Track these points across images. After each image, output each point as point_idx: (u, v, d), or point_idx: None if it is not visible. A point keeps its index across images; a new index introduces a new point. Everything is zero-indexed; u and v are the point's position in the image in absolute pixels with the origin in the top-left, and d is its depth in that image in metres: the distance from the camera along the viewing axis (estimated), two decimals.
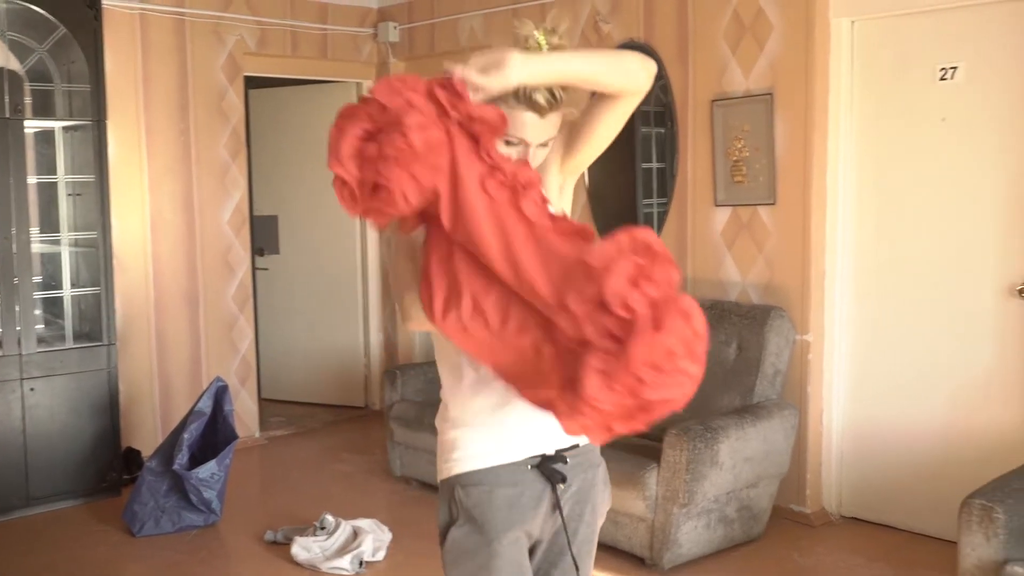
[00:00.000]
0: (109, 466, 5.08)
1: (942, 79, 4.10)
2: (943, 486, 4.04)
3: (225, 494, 4.71)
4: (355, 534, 4.28)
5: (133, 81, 5.51)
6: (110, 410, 5.06)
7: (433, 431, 4.98)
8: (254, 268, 6.59)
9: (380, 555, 4.20)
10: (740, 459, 3.90)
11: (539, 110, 1.78)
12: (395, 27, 6.41)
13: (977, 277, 4.03)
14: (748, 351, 4.26)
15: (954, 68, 4.06)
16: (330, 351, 6.87)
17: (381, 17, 6.51)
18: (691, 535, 3.87)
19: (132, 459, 5.35)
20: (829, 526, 4.45)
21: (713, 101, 4.70)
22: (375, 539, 4.25)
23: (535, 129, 1.81)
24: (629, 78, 1.82)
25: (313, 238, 6.86)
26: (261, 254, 7.00)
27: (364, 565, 4.10)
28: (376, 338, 6.79)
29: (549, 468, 1.94)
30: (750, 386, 4.20)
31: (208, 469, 4.54)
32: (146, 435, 5.59)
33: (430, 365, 5.43)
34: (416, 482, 5.10)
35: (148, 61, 5.57)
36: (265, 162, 6.94)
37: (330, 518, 4.36)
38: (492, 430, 1.92)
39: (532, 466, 1.93)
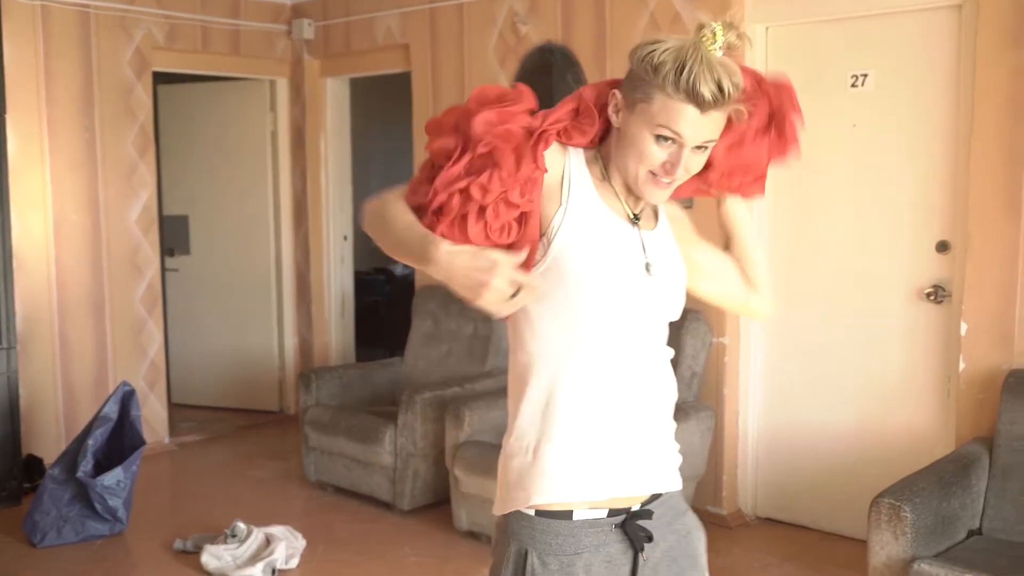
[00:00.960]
0: (8, 474, 4.88)
1: (853, 86, 4.19)
2: (855, 486, 4.13)
3: (132, 502, 4.56)
4: (268, 541, 4.19)
5: (34, 75, 5.30)
6: (10, 416, 4.86)
7: (349, 435, 4.89)
8: (163, 269, 6.41)
9: (293, 562, 4.11)
10: None
11: (702, 104, 1.57)
12: (310, 24, 6.30)
13: (888, 281, 4.13)
14: None
15: (864, 75, 4.15)
16: (243, 354, 6.72)
17: (296, 13, 6.40)
18: None
19: (33, 467, 5.15)
20: (745, 527, 4.51)
21: None
22: (288, 546, 4.16)
23: (695, 126, 1.59)
24: (757, 309, 1.97)
25: (225, 238, 6.70)
26: (171, 255, 6.81)
27: (277, 573, 4.01)
28: (291, 341, 6.67)
29: (634, 526, 1.69)
30: None
31: (114, 476, 4.40)
32: (48, 442, 5.38)
33: (346, 368, 5.36)
34: (331, 487, 5.01)
35: (50, 54, 5.36)
36: (175, 160, 6.76)
37: (242, 525, 4.26)
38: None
39: (616, 525, 1.69)
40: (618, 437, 1.68)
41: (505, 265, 1.47)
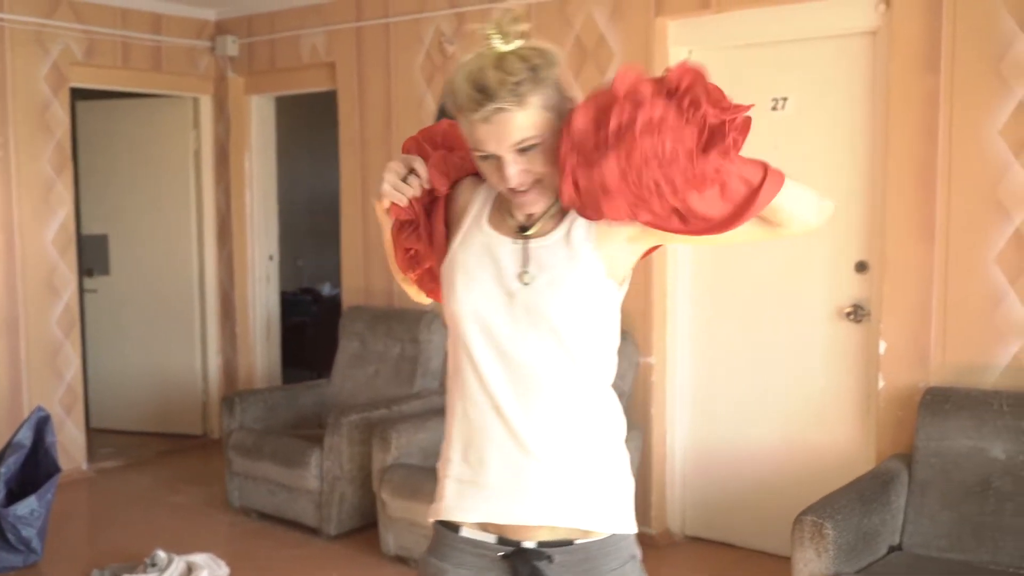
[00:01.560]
0: None
1: (774, 109, 4.27)
2: (779, 503, 4.17)
3: (47, 532, 4.42)
4: (189, 570, 4.09)
5: None
6: None
7: (274, 459, 4.81)
8: (82, 290, 6.24)
9: None
10: None
11: (476, 113, 1.55)
12: (234, 40, 6.21)
13: (809, 300, 4.20)
14: None
15: (785, 99, 4.24)
16: (165, 377, 6.56)
17: (219, 30, 6.31)
18: None
19: None
20: (673, 546, 4.53)
21: None
22: (210, 574, 4.07)
23: (494, 135, 1.56)
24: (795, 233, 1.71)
25: (146, 257, 6.55)
26: (90, 275, 6.64)
27: None
28: (214, 362, 6.54)
29: (523, 563, 1.64)
30: None
31: (27, 505, 4.26)
32: None
33: (271, 391, 5.27)
34: (256, 513, 4.91)
35: None
36: (95, 178, 6.59)
37: (162, 554, 4.15)
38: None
39: (503, 556, 1.66)
40: (494, 461, 1.65)
41: (397, 159, 1.70)
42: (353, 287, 5.70)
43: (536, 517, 1.64)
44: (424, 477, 4.11)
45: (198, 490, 5.45)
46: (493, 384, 1.66)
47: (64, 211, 5.66)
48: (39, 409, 4.48)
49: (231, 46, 6.20)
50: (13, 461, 4.32)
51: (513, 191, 1.61)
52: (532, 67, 1.53)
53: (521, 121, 1.53)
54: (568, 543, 1.65)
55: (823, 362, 4.17)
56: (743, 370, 4.40)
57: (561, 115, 1.56)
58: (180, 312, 6.51)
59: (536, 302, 1.63)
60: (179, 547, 4.31)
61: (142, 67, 6.03)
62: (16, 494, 4.33)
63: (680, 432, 4.58)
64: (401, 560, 4.28)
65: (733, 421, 4.44)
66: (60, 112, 5.63)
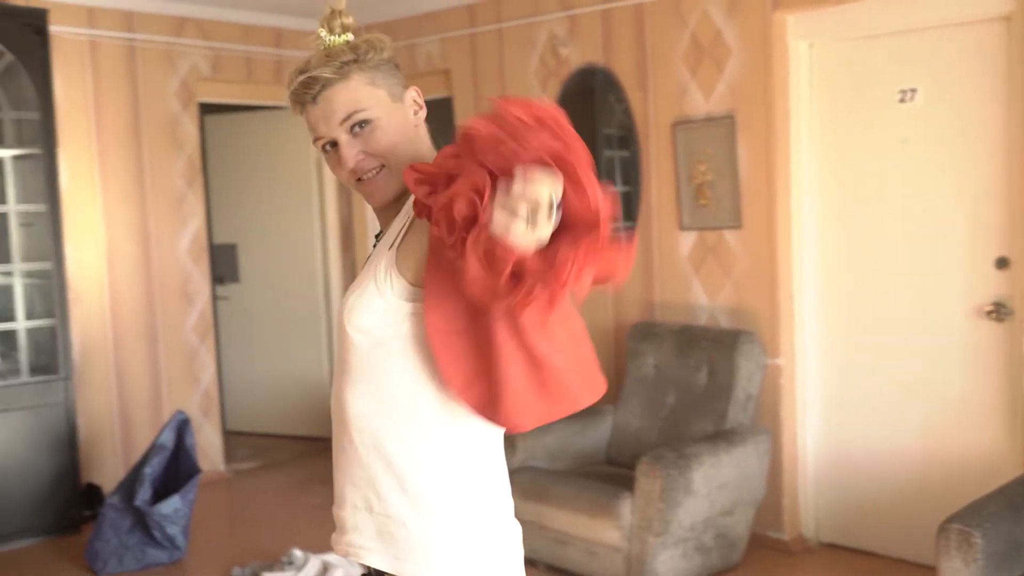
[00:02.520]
0: (69, 503, 4.95)
1: (902, 101, 4.15)
2: (920, 510, 4.07)
3: (190, 530, 4.61)
4: (325, 568, 4.21)
5: (84, 108, 5.40)
6: (69, 445, 4.94)
7: None
8: (214, 298, 6.49)
9: None
10: (715, 486, 3.90)
11: (302, 99, 1.61)
12: None
13: (945, 298, 4.07)
14: (719, 376, 4.27)
15: (913, 90, 4.12)
16: (296, 380, 6.77)
17: None
18: (668, 564, 3.85)
19: (93, 495, 5.21)
20: (808, 552, 4.45)
21: (674, 124, 4.71)
22: (345, 573, 4.18)
23: (322, 117, 1.60)
24: None
25: (274, 265, 6.77)
26: (221, 283, 6.89)
27: None
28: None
29: None
30: (722, 412, 4.20)
31: (171, 504, 4.45)
32: (107, 471, 5.45)
33: None
34: None
35: (99, 88, 5.46)
36: (223, 189, 6.84)
37: (298, 553, 4.29)
38: None
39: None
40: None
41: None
42: None
43: (337, 541, 1.68)
44: (551, 480, 4.15)
45: (331, 491, 5.57)
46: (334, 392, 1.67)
47: (196, 222, 5.88)
48: (179, 412, 4.68)
49: None
50: (158, 462, 4.52)
51: (359, 180, 1.61)
52: (354, 48, 1.59)
53: (345, 94, 1.57)
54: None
55: (962, 362, 4.04)
56: (876, 371, 4.30)
57: (393, 96, 1.60)
58: (307, 317, 6.70)
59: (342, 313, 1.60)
60: (314, 546, 4.44)
61: (264, 80, 6.22)
62: (161, 494, 4.53)
63: (811, 435, 4.50)
64: (531, 563, 4.32)
65: (867, 424, 4.33)
66: (190, 126, 5.85)
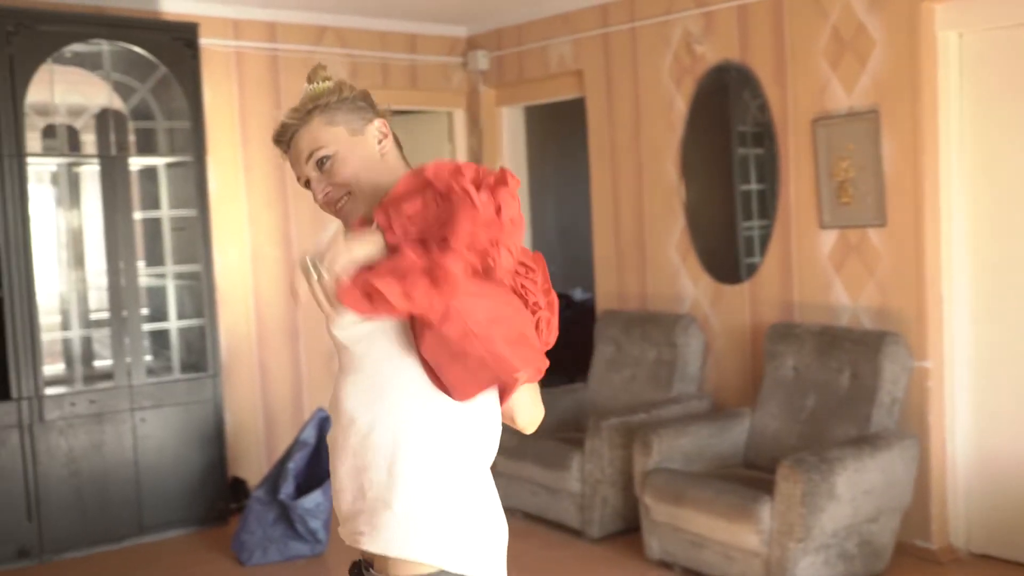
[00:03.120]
0: (217, 495, 5.16)
1: None
2: None
3: (331, 524, 4.74)
4: None
5: (230, 117, 5.62)
6: (217, 440, 5.14)
7: (536, 460, 4.91)
8: None
9: None
10: (859, 492, 3.78)
11: (280, 143, 1.84)
12: (484, 55, 6.43)
13: None
14: (862, 379, 4.13)
15: None
16: None
17: (470, 45, 6.55)
18: (810, 571, 3.75)
19: (238, 488, 5.42)
20: (957, 563, 4.26)
21: (814, 120, 4.59)
22: None
23: (294, 161, 1.83)
24: None
25: None
26: None
27: None
28: None
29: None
30: (866, 416, 4.07)
31: (313, 499, 4.58)
32: (251, 464, 5.66)
33: None
34: (520, 513, 5.05)
35: (244, 97, 5.68)
36: None
37: None
38: None
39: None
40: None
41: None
42: (607, 292, 5.75)
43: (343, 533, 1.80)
44: (687, 482, 4.10)
45: None
46: None
47: (334, 225, 6.02)
48: (320, 410, 4.82)
49: (482, 60, 6.42)
50: (300, 457, 4.66)
51: (334, 209, 1.81)
52: (315, 97, 1.80)
53: (307, 136, 1.79)
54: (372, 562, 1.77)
55: None
56: None
57: (353, 131, 1.80)
58: None
59: None
60: None
61: (400, 85, 6.35)
62: (303, 488, 4.67)
63: (961, 440, 4.30)
64: (666, 565, 4.27)
65: (1022, 429, 4.12)
66: None
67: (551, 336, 1.78)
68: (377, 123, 1.83)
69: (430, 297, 1.54)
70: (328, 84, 1.83)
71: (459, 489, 1.69)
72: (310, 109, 1.79)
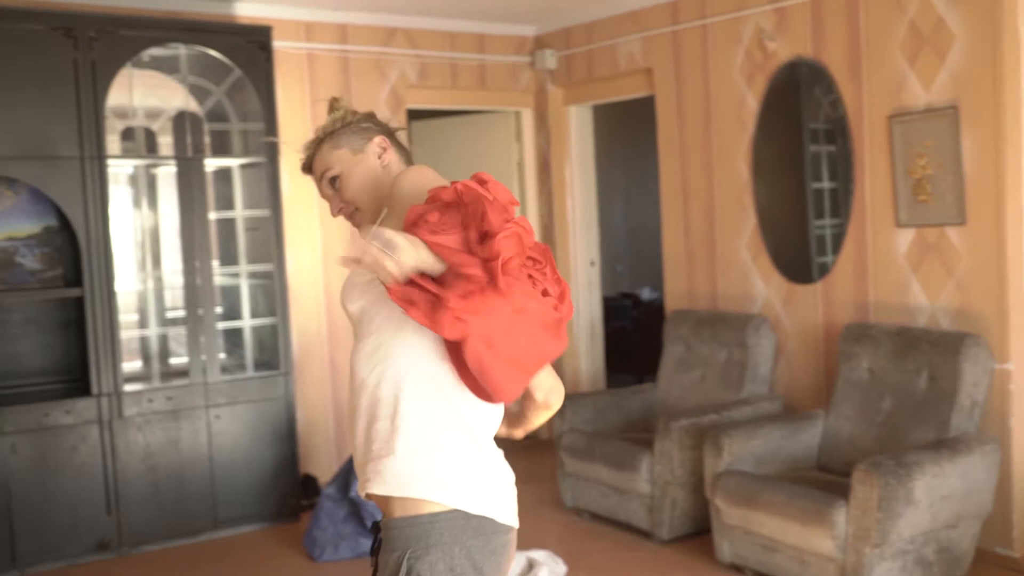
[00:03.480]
0: (289, 492, 5.23)
1: None
2: None
3: None
4: (530, 565, 4.26)
5: (302, 118, 5.70)
6: (289, 437, 5.22)
7: (605, 461, 4.87)
8: None
9: None
10: (937, 497, 3.68)
11: (308, 174, 2.12)
12: (552, 54, 6.42)
13: None
14: (941, 381, 4.03)
15: None
16: None
17: (538, 45, 6.54)
18: None
19: (309, 485, 5.49)
20: None
21: (890, 117, 4.49)
22: (550, 571, 4.22)
23: (316, 184, 2.11)
24: None
25: None
26: None
27: None
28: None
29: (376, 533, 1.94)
30: (945, 419, 3.97)
31: None
32: (322, 462, 5.73)
33: (599, 395, 5.38)
34: (588, 513, 5.03)
35: (316, 98, 5.75)
36: None
37: None
38: None
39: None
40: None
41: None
42: (676, 291, 5.70)
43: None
44: (760, 484, 4.04)
45: (533, 489, 5.66)
46: None
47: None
48: None
49: (550, 59, 6.41)
50: None
51: (345, 216, 2.09)
52: (323, 129, 2.09)
53: (318, 162, 2.08)
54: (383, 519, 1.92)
55: None
56: None
57: (354, 151, 2.05)
58: None
59: None
60: (518, 542, 4.50)
61: (468, 86, 6.37)
62: None
63: None
64: (737, 568, 4.22)
65: None
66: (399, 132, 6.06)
67: (569, 311, 1.88)
68: (377, 140, 2.07)
69: (479, 323, 1.70)
70: (337, 114, 2.10)
71: (457, 437, 1.85)
72: (320, 139, 2.08)
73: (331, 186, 2.06)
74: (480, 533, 1.84)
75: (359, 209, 2.05)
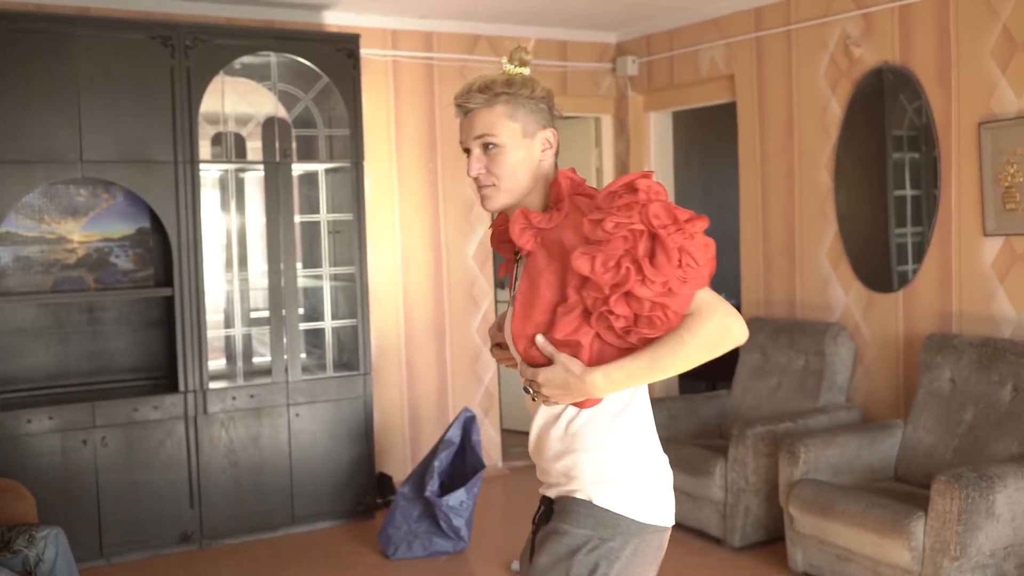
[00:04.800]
0: (365, 490, 5.33)
1: None
2: None
3: (473, 522, 4.82)
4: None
5: (386, 124, 5.81)
6: (365, 436, 5.31)
7: (679, 467, 4.83)
8: (496, 301, 6.76)
9: None
10: (1020, 511, 3.59)
11: (459, 108, 1.97)
12: (634, 61, 6.43)
13: None
14: None
15: None
16: None
17: (620, 51, 6.56)
18: None
19: (384, 484, 5.58)
20: None
21: (980, 124, 4.39)
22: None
23: (465, 129, 1.97)
24: (717, 352, 1.85)
25: None
26: (503, 287, 7.17)
27: None
28: None
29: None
30: None
31: (457, 497, 4.67)
32: (396, 461, 5.83)
33: (672, 400, 5.37)
34: None
35: (400, 105, 5.87)
36: None
37: None
38: None
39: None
40: None
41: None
42: (753, 299, 5.65)
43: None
44: (836, 494, 3.98)
45: None
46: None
47: (483, 229, 6.16)
48: (466, 410, 4.91)
49: (631, 66, 6.42)
50: (445, 456, 4.77)
51: (477, 181, 1.97)
52: (509, 84, 1.93)
53: (485, 118, 1.93)
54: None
55: None
56: None
57: (526, 132, 1.94)
58: None
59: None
60: None
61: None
62: (447, 487, 4.77)
63: None
64: None
65: None
66: None
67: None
68: (549, 133, 1.97)
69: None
70: (524, 72, 1.97)
71: (628, 439, 1.94)
72: (498, 93, 1.93)
73: (484, 149, 1.94)
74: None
75: (496, 187, 1.95)
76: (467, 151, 1.97)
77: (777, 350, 5.12)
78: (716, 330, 1.78)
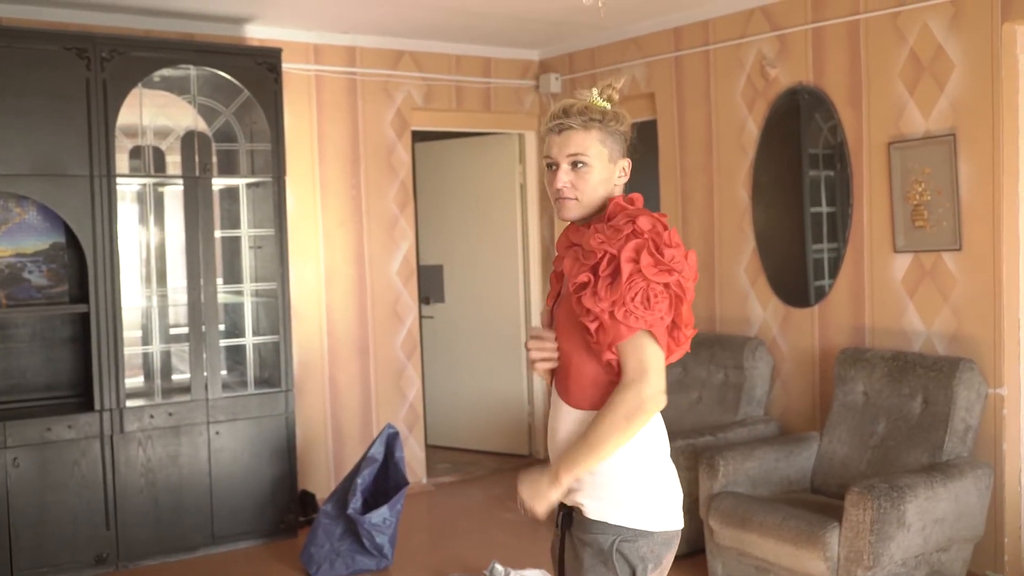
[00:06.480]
0: (286, 508, 5.25)
1: None
2: None
3: (396, 539, 4.79)
4: None
5: (308, 139, 5.77)
6: (288, 454, 5.24)
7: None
8: (421, 317, 6.74)
9: None
10: (929, 520, 3.70)
11: (555, 126, 2.18)
12: (556, 78, 6.49)
13: None
14: (935, 405, 4.05)
15: None
16: (494, 399, 6.93)
17: (543, 69, 6.62)
18: None
19: (306, 502, 5.52)
20: None
21: (890, 144, 4.54)
22: None
23: (558, 145, 2.17)
24: (634, 423, 2.08)
25: (477, 286, 6.97)
26: (427, 303, 7.16)
27: None
28: (540, 386, 6.82)
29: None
30: (938, 443, 3.99)
31: (380, 514, 4.64)
32: (319, 478, 5.76)
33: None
34: None
35: (322, 119, 5.83)
36: (430, 213, 7.12)
37: (499, 567, 4.38)
38: None
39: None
40: None
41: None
42: None
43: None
44: (754, 506, 4.05)
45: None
46: None
47: (407, 244, 6.16)
48: (389, 426, 4.89)
49: (554, 83, 6.49)
50: (368, 473, 4.73)
51: (559, 194, 2.18)
52: (603, 114, 2.17)
53: (579, 139, 2.15)
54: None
55: None
56: None
57: (611, 158, 2.18)
58: (507, 337, 6.85)
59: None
60: (513, 561, 4.52)
61: (473, 108, 6.44)
62: (371, 504, 4.73)
63: None
64: None
65: None
66: (403, 154, 6.14)
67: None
68: (626, 163, 2.23)
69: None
70: (613, 105, 2.20)
71: (642, 452, 2.15)
72: (595, 119, 2.16)
73: (572, 166, 2.16)
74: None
75: (577, 201, 2.18)
76: (550, 166, 2.19)
77: (697, 364, 5.20)
78: (633, 401, 2.04)
